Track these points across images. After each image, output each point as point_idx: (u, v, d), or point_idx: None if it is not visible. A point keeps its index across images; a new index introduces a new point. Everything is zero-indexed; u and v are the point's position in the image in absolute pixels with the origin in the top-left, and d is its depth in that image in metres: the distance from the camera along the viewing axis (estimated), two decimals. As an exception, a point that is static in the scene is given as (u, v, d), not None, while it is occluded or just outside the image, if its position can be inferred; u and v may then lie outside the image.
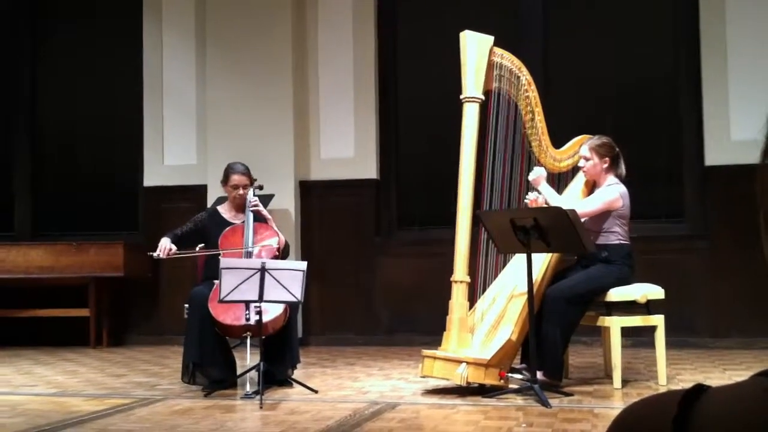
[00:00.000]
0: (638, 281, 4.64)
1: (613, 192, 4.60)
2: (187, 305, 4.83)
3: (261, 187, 5.05)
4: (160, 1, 7.50)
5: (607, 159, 4.67)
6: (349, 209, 7.10)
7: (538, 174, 4.70)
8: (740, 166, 5.99)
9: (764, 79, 6.30)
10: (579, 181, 4.91)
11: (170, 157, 7.46)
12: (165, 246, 4.68)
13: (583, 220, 4.41)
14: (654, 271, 5.43)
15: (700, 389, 0.63)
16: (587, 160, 4.69)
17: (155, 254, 4.68)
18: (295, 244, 6.77)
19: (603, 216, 4.58)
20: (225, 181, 4.97)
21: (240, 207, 4.95)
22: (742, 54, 6.40)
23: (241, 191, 4.89)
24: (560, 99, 6.60)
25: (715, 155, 6.41)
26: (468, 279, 4.56)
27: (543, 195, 4.68)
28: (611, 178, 4.69)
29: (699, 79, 6.54)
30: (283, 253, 4.89)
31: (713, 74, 6.47)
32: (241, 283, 4.22)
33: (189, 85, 7.42)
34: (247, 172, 4.94)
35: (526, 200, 4.67)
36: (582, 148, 4.73)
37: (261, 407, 4.09)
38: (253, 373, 4.46)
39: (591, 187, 4.85)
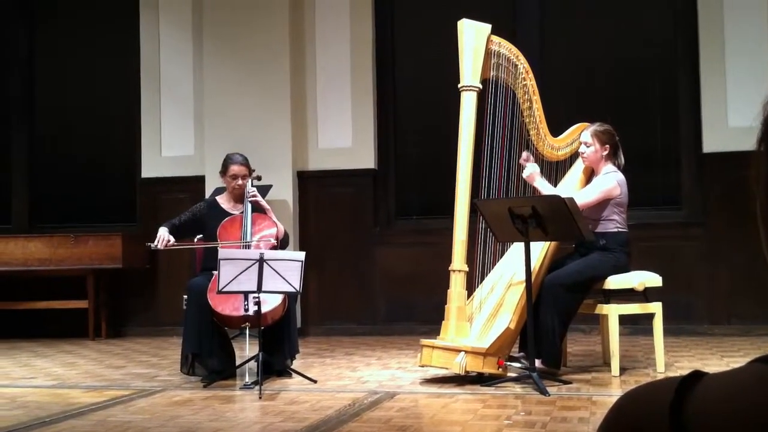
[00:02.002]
0: (636, 269, 4.65)
1: (610, 180, 4.60)
2: (185, 296, 4.83)
3: (259, 178, 5.06)
4: (156, -9, 7.48)
5: (607, 146, 4.67)
6: (347, 199, 7.09)
7: (531, 171, 4.66)
8: (737, 153, 5.98)
9: (761, 66, 6.29)
10: (578, 169, 4.91)
11: (168, 149, 7.45)
12: (163, 237, 4.67)
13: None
14: (652, 259, 5.44)
15: (697, 376, 0.63)
16: (588, 146, 4.68)
17: (153, 245, 4.67)
18: (293, 235, 6.77)
19: (601, 204, 4.58)
20: (224, 171, 4.96)
21: (239, 198, 4.95)
22: (739, 40, 6.39)
23: (240, 181, 4.89)
24: (557, 87, 6.58)
25: (712, 142, 6.41)
26: (466, 268, 4.56)
27: (538, 188, 4.67)
28: (609, 167, 4.68)
29: (697, 65, 6.53)
30: (282, 243, 4.90)
31: (711, 61, 6.47)
32: (239, 274, 4.22)
33: (186, 76, 7.40)
34: (246, 163, 4.94)
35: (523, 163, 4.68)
36: (583, 134, 4.72)
37: (260, 397, 4.10)
38: (252, 364, 4.46)
39: (589, 174, 4.85)
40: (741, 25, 6.40)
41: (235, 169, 4.90)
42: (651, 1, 6.85)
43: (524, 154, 4.71)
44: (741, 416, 0.58)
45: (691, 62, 6.59)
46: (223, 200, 5.03)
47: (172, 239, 4.70)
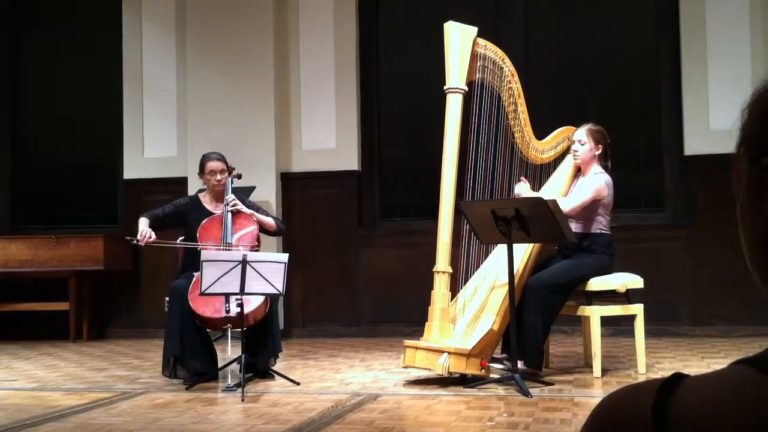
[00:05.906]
0: (619, 270, 4.67)
1: (599, 181, 4.62)
2: (167, 298, 4.80)
3: (239, 176, 5.01)
4: (139, -9, 7.44)
5: (600, 146, 4.70)
6: (331, 201, 7.08)
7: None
8: (719, 155, 6.02)
9: (742, 69, 6.34)
10: (563, 171, 4.93)
11: (150, 150, 7.41)
12: (145, 233, 4.59)
13: (569, 211, 4.44)
14: (634, 260, 5.47)
15: (678, 378, 0.63)
16: (582, 144, 4.70)
17: (134, 240, 4.61)
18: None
19: (588, 205, 4.59)
20: (201, 171, 4.93)
21: (220, 195, 4.90)
22: (720, 44, 6.44)
23: (218, 177, 4.85)
24: (542, 90, 6.60)
25: (694, 145, 6.46)
26: (450, 269, 4.56)
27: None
28: (597, 167, 4.70)
29: (678, 69, 6.58)
30: (277, 233, 4.99)
31: (692, 64, 6.51)
32: (222, 276, 4.20)
33: (169, 77, 7.36)
34: (222, 159, 4.91)
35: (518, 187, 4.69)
36: (578, 132, 4.73)
37: (243, 400, 4.08)
38: (235, 366, 4.44)
39: (575, 176, 4.87)
40: (722, 29, 6.44)
41: (212, 165, 4.86)
42: (634, 6, 6.89)
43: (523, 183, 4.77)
44: (724, 418, 0.58)
45: (673, 66, 6.63)
46: (205, 199, 5.00)
47: (154, 236, 4.63)
